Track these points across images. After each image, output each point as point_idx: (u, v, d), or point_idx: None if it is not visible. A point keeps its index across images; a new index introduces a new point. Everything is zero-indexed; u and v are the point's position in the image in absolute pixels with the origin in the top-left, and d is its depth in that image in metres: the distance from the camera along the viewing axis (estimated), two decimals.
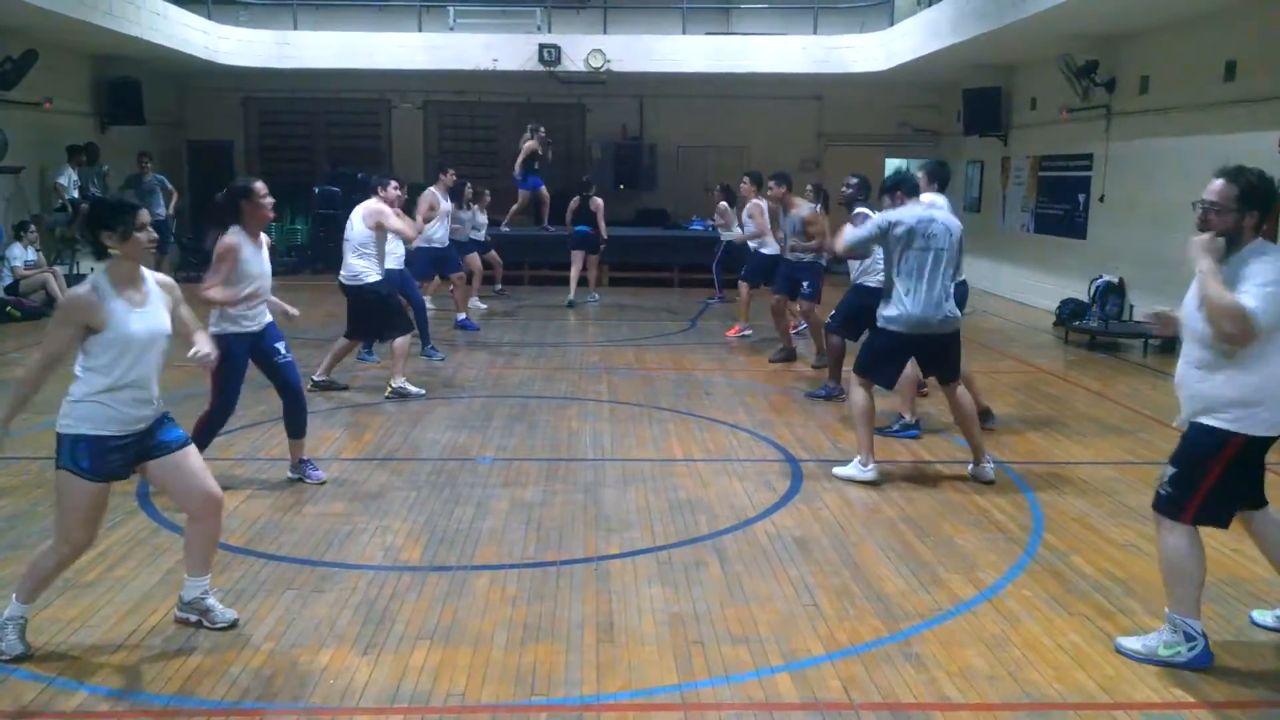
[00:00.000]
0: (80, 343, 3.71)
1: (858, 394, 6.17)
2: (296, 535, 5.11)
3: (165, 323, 3.86)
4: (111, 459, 3.76)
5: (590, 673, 3.77)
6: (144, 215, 3.81)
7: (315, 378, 8.21)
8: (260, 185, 5.57)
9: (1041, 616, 4.30)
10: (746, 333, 11.21)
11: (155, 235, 3.85)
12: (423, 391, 8.21)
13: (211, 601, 4.10)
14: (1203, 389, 3.79)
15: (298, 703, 3.55)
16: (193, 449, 4.02)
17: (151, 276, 3.89)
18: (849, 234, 6.35)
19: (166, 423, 3.95)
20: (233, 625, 4.06)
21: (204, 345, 4.09)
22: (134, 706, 3.52)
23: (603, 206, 13.65)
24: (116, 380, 3.71)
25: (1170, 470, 3.89)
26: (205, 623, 4.06)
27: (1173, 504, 3.85)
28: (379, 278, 7.99)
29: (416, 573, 4.67)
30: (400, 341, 8.15)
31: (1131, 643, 3.97)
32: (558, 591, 4.48)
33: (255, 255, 5.51)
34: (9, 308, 11.71)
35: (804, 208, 9.31)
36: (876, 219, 6.19)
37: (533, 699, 3.60)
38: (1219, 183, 3.73)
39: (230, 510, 5.39)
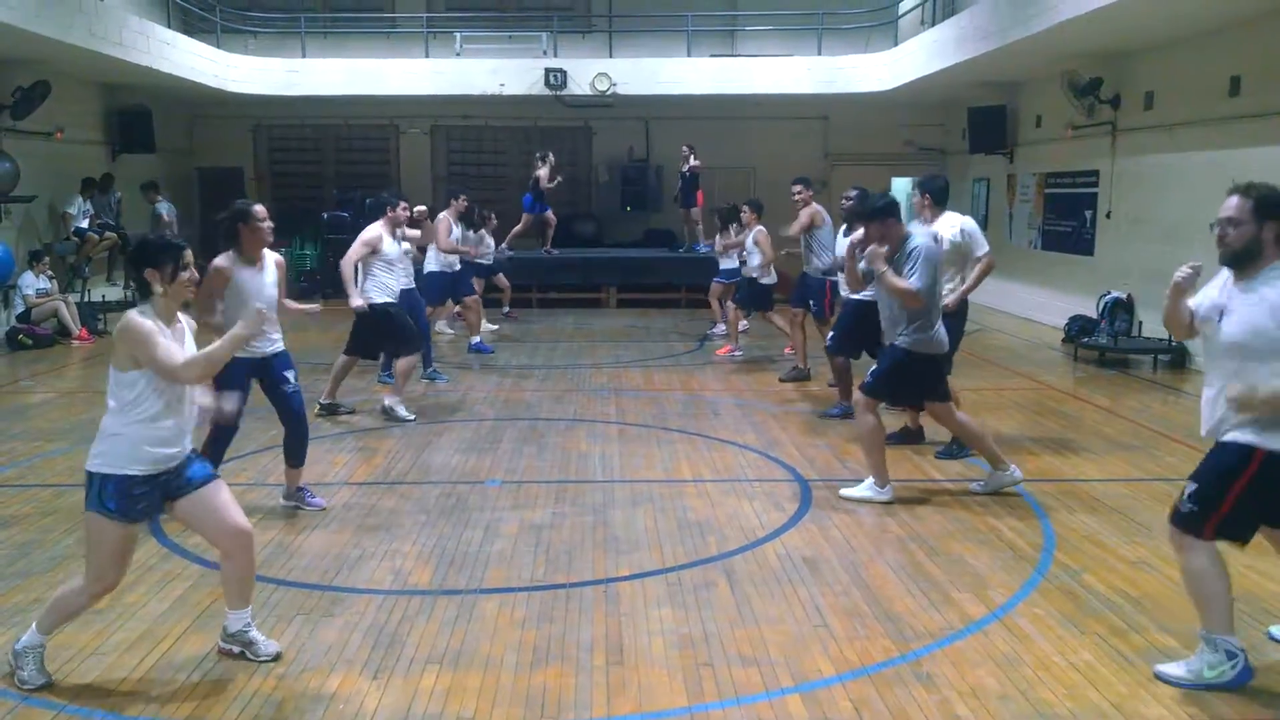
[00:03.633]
0: (123, 373, 3.70)
1: (869, 418, 6.11)
2: (306, 560, 5.12)
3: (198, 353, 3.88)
4: (138, 499, 3.74)
5: (600, 695, 3.76)
6: (188, 255, 3.81)
7: (321, 401, 8.24)
8: (259, 209, 5.56)
9: (1053, 635, 4.27)
10: (737, 353, 11.28)
11: (197, 276, 3.86)
12: (413, 417, 8.17)
13: (255, 634, 4.05)
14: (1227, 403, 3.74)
15: None
16: (220, 484, 3.97)
17: (183, 315, 3.92)
18: (916, 281, 5.78)
19: (193, 460, 3.93)
20: (276, 658, 4.01)
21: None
22: None
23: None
24: (156, 414, 3.70)
25: (1191, 486, 3.82)
26: (249, 654, 4.01)
27: (1193, 520, 3.79)
28: (390, 298, 8.04)
29: (426, 596, 4.67)
30: (403, 362, 8.19)
31: (1173, 669, 3.89)
32: (567, 614, 4.47)
33: (253, 278, 5.50)
34: (21, 336, 11.79)
35: (815, 207, 9.29)
36: (929, 249, 5.88)
37: None
38: (1233, 199, 3.72)
39: None
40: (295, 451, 5.84)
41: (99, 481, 3.71)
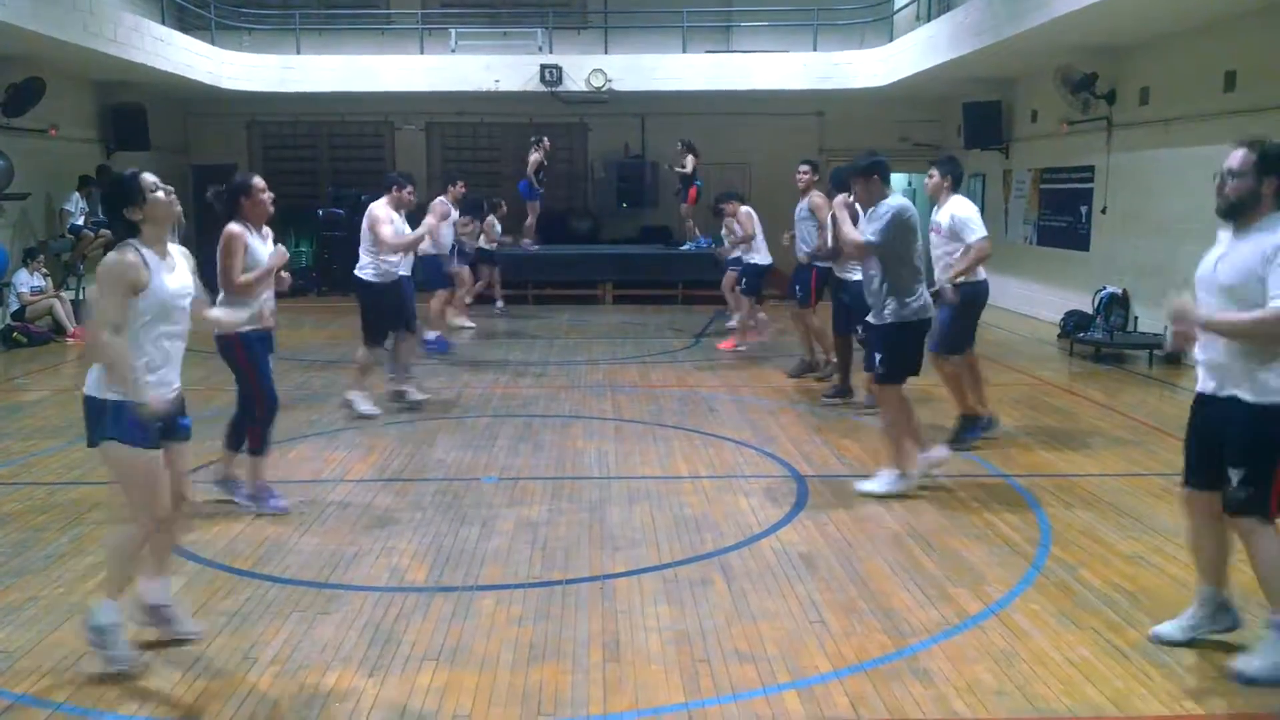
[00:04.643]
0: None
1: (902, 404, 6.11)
2: (302, 557, 5.11)
3: (192, 283, 3.93)
4: (154, 424, 3.72)
5: (597, 692, 3.76)
6: (148, 177, 3.79)
7: (389, 388, 8.35)
8: (258, 180, 5.61)
9: (1050, 630, 4.27)
10: (741, 348, 11.30)
11: (172, 189, 3.84)
12: (378, 411, 8.13)
13: (176, 610, 4.07)
14: (1250, 366, 3.70)
15: None
16: (188, 447, 4.03)
17: (173, 245, 3.92)
18: (870, 235, 5.88)
19: (182, 407, 3.97)
20: (194, 638, 4.04)
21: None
22: None
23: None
24: (155, 341, 3.71)
25: (1239, 471, 3.75)
26: (165, 634, 4.03)
27: (1255, 502, 3.72)
28: (386, 279, 8.06)
29: (422, 594, 4.66)
30: (363, 354, 8.11)
31: (1254, 665, 3.78)
32: (563, 611, 4.47)
33: (260, 246, 5.58)
34: (15, 334, 11.77)
35: (815, 194, 9.32)
36: (901, 212, 5.87)
37: (540, 719, 3.59)
38: (1239, 151, 3.75)
39: (236, 534, 5.41)
40: (239, 435, 5.83)
41: (112, 407, 3.66)
